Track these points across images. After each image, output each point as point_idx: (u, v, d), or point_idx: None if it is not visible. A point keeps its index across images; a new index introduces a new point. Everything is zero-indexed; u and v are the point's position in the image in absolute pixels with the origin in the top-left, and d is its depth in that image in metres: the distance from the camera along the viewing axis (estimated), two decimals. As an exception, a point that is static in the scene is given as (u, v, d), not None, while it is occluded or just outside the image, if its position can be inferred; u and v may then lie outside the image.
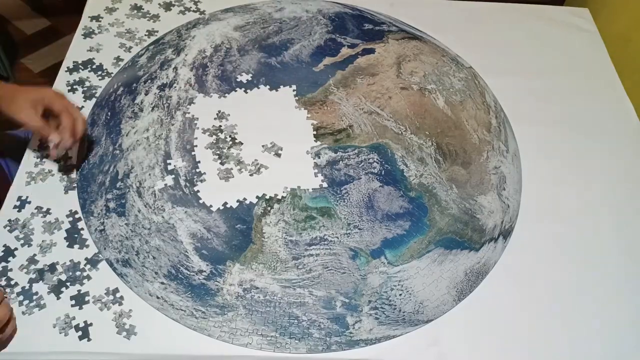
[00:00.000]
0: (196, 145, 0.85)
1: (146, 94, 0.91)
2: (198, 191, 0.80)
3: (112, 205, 0.78)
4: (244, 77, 0.95)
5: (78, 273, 0.72)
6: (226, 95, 0.92)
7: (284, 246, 0.76)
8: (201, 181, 0.81)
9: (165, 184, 0.81)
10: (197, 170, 0.83)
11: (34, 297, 0.70)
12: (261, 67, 0.97)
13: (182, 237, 0.76)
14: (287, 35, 1.02)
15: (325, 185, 0.82)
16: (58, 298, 0.70)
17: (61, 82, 0.92)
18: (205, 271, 0.73)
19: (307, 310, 0.71)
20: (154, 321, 0.69)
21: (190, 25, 1.03)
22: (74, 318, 0.68)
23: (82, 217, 0.77)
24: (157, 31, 1.01)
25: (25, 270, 0.72)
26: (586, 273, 0.78)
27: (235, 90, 0.93)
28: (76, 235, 0.75)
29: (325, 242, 0.77)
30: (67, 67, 0.94)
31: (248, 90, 0.93)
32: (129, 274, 0.72)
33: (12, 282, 0.70)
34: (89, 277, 0.72)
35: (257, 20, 1.04)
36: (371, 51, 1.00)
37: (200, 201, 0.79)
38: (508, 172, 0.87)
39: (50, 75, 0.88)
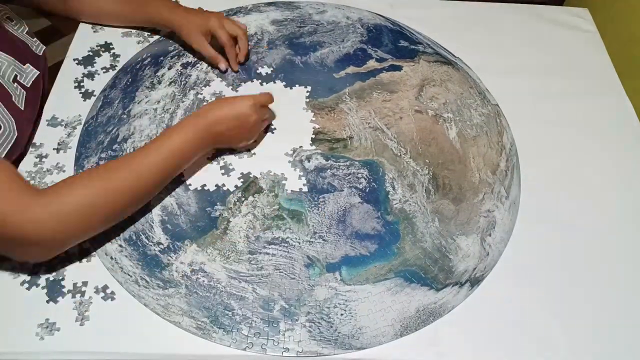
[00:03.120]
0: (197, 125, 0.88)
1: (169, 69, 0.95)
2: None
3: (102, 164, 0.83)
4: (264, 70, 0.96)
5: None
6: (242, 83, 0.94)
7: (244, 238, 0.76)
8: (189, 159, 0.84)
9: (156, 155, 0.84)
10: (190, 148, 0.85)
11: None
12: (284, 63, 0.98)
13: (153, 207, 0.79)
14: (319, 38, 1.02)
15: (305, 189, 0.82)
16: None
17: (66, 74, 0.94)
18: (162, 244, 0.75)
19: (244, 306, 0.71)
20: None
21: (232, 12, 1.06)
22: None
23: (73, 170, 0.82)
24: (151, 37, 1.01)
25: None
26: (586, 274, 0.77)
27: (252, 81, 0.95)
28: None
29: (286, 245, 0.76)
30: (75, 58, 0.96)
31: (264, 83, 0.95)
32: (94, 230, 0.76)
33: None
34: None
35: (296, 18, 1.05)
36: (398, 68, 0.98)
37: (182, 178, 0.82)
38: (501, 218, 0.81)
39: (51, 75, 0.93)
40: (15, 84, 0.82)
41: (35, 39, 0.91)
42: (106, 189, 0.68)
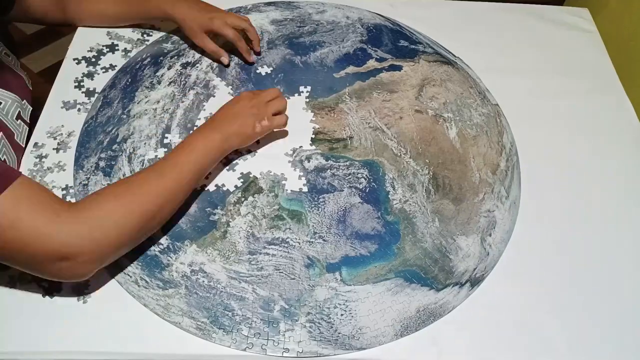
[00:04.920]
0: (197, 125, 0.88)
1: (169, 69, 0.95)
2: (183, 168, 0.83)
3: (102, 164, 0.83)
4: (264, 70, 0.96)
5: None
6: (241, 83, 0.94)
7: (244, 239, 0.76)
8: (189, 160, 0.84)
9: (156, 155, 0.84)
10: (190, 148, 0.85)
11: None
12: (284, 63, 0.98)
13: (153, 207, 0.78)
14: (319, 38, 1.02)
15: (305, 189, 0.82)
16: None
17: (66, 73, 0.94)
18: (162, 244, 0.75)
19: (244, 306, 0.71)
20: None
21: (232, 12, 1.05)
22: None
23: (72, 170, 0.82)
24: (150, 36, 1.01)
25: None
26: (586, 274, 0.77)
27: (252, 81, 0.95)
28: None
29: (286, 245, 0.76)
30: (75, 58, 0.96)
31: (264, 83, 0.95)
32: (94, 230, 0.76)
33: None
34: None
35: (296, 18, 1.05)
36: (398, 68, 0.98)
37: (182, 178, 0.81)
38: (501, 218, 0.81)
39: (50, 75, 0.93)
40: (19, 120, 0.82)
41: (25, 72, 0.91)
42: (134, 194, 0.67)
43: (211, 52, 0.94)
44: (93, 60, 0.96)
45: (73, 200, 0.78)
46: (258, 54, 0.97)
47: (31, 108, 0.86)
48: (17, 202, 0.59)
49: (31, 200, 0.61)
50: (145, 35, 1.00)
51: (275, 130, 0.84)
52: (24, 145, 0.82)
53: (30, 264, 0.62)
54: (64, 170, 0.81)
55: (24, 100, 0.85)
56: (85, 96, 0.91)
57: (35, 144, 0.84)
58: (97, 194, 0.67)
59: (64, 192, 0.79)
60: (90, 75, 0.93)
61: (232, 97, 0.83)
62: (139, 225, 0.67)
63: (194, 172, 0.73)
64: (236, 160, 0.84)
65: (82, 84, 0.92)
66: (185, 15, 0.91)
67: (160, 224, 0.72)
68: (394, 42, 1.03)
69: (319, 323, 0.70)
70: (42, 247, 0.60)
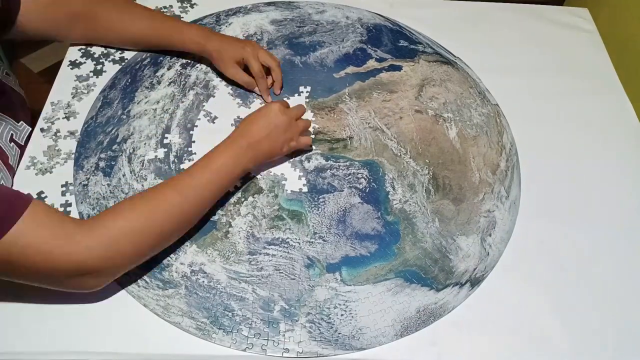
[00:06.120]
0: (197, 126, 0.88)
1: (168, 69, 0.95)
2: (183, 169, 0.83)
3: (102, 164, 0.82)
4: (264, 70, 0.96)
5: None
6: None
7: (244, 239, 0.76)
8: (189, 160, 0.84)
9: (156, 156, 0.84)
10: (189, 149, 0.85)
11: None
12: (284, 63, 0.97)
13: (153, 208, 0.78)
14: (319, 38, 1.02)
15: (305, 190, 0.82)
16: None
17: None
18: (162, 245, 0.75)
19: (244, 306, 0.71)
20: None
21: (231, 12, 1.05)
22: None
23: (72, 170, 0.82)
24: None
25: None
26: (586, 274, 0.77)
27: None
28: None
29: (286, 245, 0.76)
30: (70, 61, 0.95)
31: (263, 83, 0.95)
32: (94, 230, 0.76)
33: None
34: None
35: (295, 18, 1.05)
36: (398, 68, 0.98)
37: (182, 178, 0.81)
38: (501, 218, 0.81)
39: (50, 75, 0.92)
40: (12, 143, 0.81)
41: (23, 90, 0.90)
42: (152, 212, 0.67)
43: (244, 83, 0.92)
44: (93, 60, 0.96)
45: (72, 200, 0.78)
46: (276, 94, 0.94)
47: (29, 129, 0.84)
48: (36, 225, 0.60)
49: (48, 221, 0.62)
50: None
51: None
52: (15, 168, 0.81)
53: (49, 281, 0.65)
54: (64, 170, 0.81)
55: (20, 122, 0.84)
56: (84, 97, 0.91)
57: (41, 130, 0.84)
58: (114, 211, 0.67)
59: (64, 189, 0.79)
60: (90, 76, 0.93)
61: (260, 107, 0.80)
62: (155, 242, 0.69)
63: (217, 194, 0.74)
64: (236, 161, 0.84)
65: (82, 84, 0.92)
66: (219, 47, 0.90)
67: (176, 239, 0.73)
68: (393, 42, 1.02)
69: (319, 323, 0.70)
70: (61, 265, 0.61)
